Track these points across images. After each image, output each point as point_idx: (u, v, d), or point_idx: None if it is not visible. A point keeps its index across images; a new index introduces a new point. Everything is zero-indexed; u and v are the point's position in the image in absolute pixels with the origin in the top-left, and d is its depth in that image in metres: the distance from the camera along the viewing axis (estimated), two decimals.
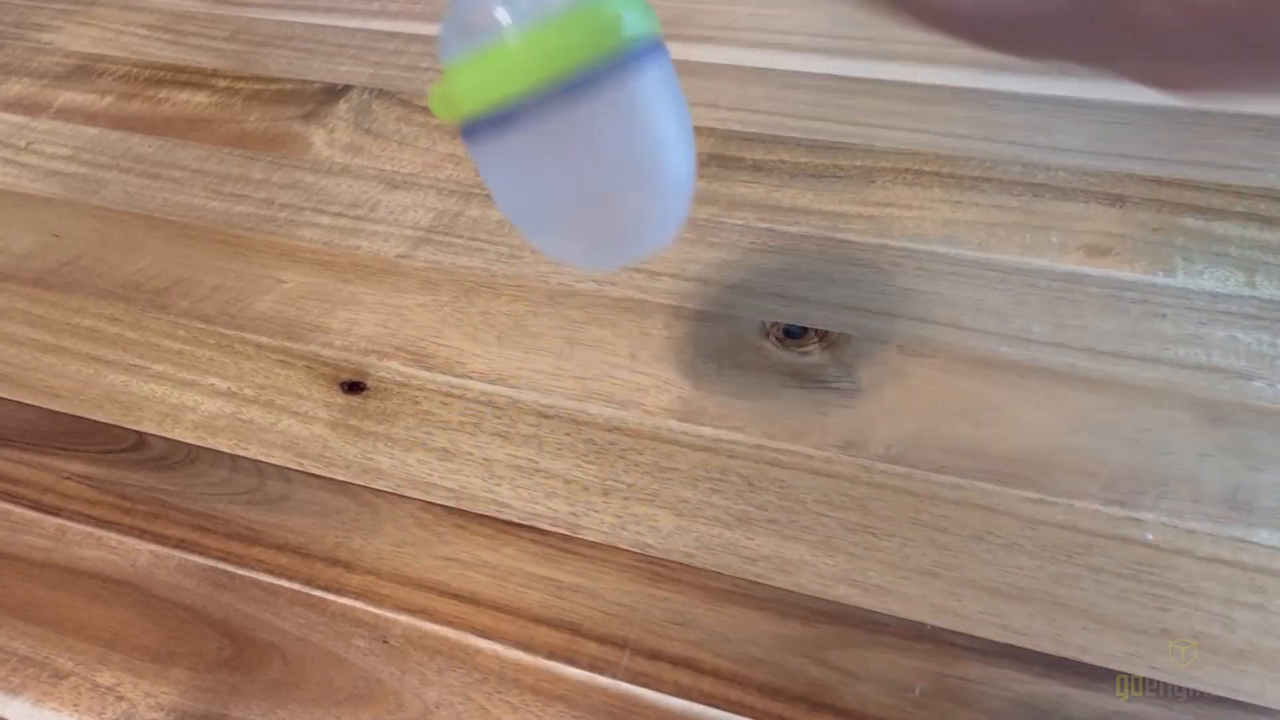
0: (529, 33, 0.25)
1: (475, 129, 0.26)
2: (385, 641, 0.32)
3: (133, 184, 0.52)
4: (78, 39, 0.64)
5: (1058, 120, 0.50)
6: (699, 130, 0.51)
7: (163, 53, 0.62)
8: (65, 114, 0.57)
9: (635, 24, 0.26)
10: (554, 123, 0.26)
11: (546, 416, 0.38)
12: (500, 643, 0.32)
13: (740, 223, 0.46)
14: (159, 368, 0.42)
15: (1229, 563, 0.32)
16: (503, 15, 0.25)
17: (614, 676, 0.31)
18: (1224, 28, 0.17)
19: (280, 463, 0.38)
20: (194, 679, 0.32)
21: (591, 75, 0.25)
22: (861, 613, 0.32)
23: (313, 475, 0.37)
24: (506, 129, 0.26)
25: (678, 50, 0.57)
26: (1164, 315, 0.40)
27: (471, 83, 0.26)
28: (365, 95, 0.56)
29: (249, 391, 0.40)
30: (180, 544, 0.36)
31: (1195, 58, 0.19)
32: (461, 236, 0.47)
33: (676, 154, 0.29)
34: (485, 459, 0.37)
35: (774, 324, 0.41)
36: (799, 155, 0.49)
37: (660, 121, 0.28)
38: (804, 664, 0.31)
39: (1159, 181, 0.46)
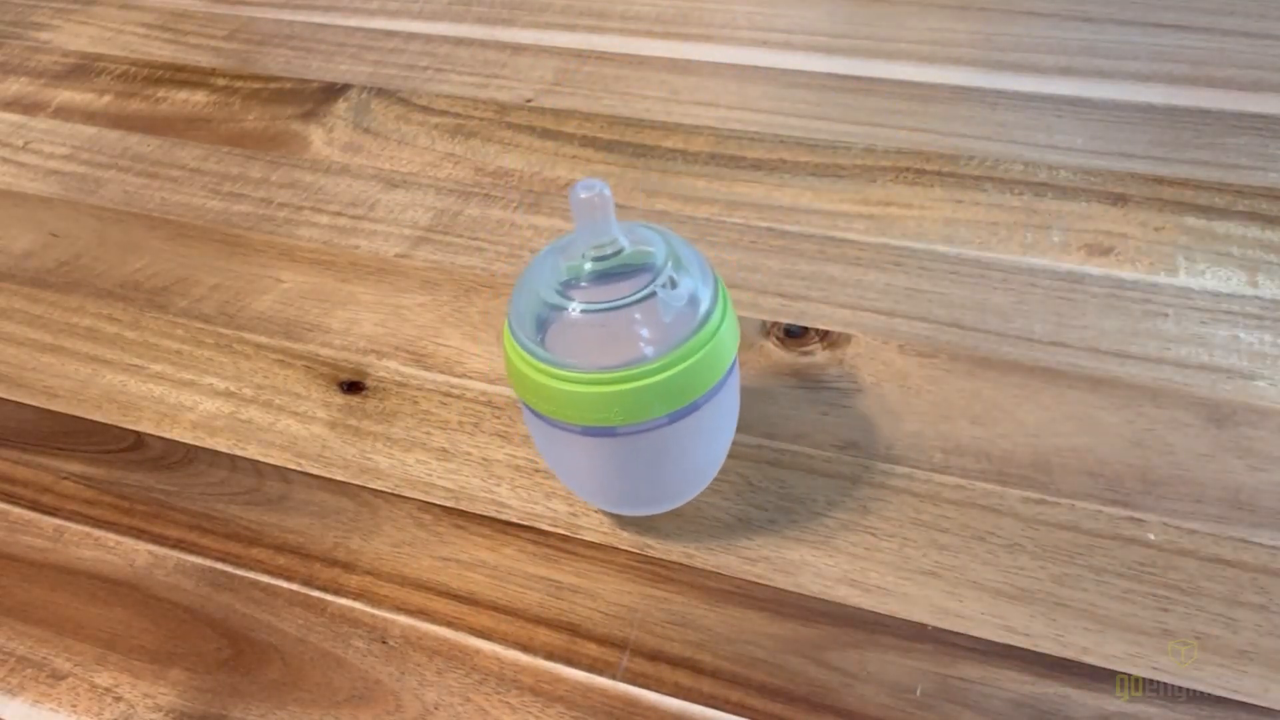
0: (670, 364, 0.28)
1: (595, 431, 0.29)
2: (384, 642, 0.32)
3: (131, 183, 0.52)
4: (76, 38, 0.64)
5: (1059, 119, 0.50)
6: (699, 129, 0.51)
7: (161, 51, 0.62)
8: (63, 113, 0.57)
9: (734, 344, 0.30)
10: (659, 432, 0.30)
11: None
12: (499, 643, 0.32)
13: (740, 222, 0.45)
14: (157, 367, 0.42)
15: (1231, 563, 0.32)
16: (647, 341, 0.28)
17: (614, 677, 0.31)
18: None
19: (279, 463, 0.38)
20: (193, 679, 0.32)
21: (706, 396, 0.30)
22: (862, 613, 0.32)
23: (311, 475, 0.37)
24: (620, 434, 0.29)
25: (677, 49, 0.57)
26: (1166, 315, 0.40)
27: (613, 403, 0.28)
28: (364, 94, 0.56)
29: (247, 391, 0.40)
30: (179, 544, 0.35)
31: None
32: (461, 236, 0.46)
33: (723, 443, 0.33)
34: (484, 459, 0.37)
35: (775, 323, 0.41)
36: (799, 154, 0.49)
37: (726, 421, 0.33)
38: (804, 665, 0.31)
39: (1160, 181, 0.46)
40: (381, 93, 0.56)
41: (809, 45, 0.57)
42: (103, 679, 0.32)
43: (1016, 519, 0.34)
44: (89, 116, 0.57)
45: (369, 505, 0.36)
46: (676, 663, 0.31)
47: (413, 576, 0.34)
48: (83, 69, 0.61)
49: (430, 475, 0.37)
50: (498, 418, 0.38)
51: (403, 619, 0.33)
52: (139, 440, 0.39)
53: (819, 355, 0.39)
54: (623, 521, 0.35)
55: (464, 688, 0.31)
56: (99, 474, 0.38)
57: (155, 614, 0.34)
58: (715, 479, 0.35)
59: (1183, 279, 0.41)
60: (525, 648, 0.32)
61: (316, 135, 0.53)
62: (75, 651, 0.33)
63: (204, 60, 0.60)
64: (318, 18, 0.63)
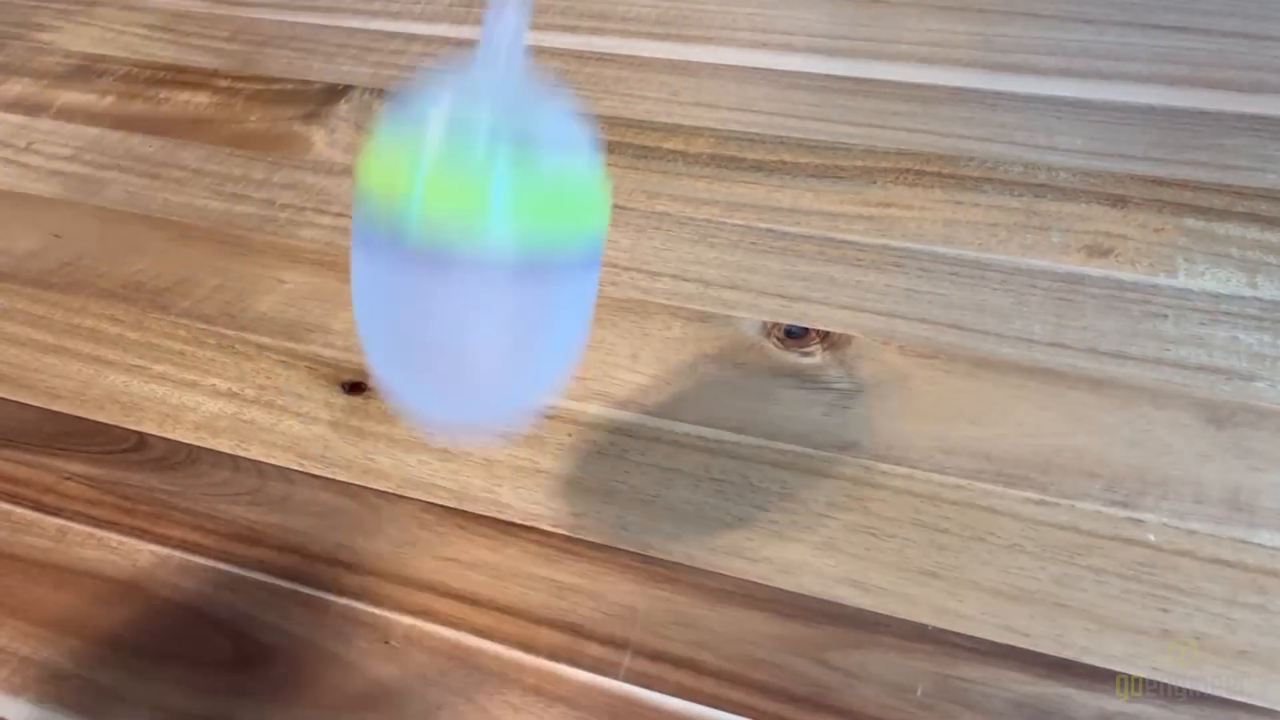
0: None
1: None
2: (387, 642, 0.32)
3: (134, 184, 0.52)
4: (78, 39, 0.64)
5: (1059, 120, 0.50)
6: (700, 131, 0.51)
7: (164, 53, 0.62)
8: (66, 114, 0.57)
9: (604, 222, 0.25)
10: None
11: (547, 417, 0.38)
12: (501, 643, 0.32)
13: (741, 223, 0.46)
14: (160, 368, 0.42)
15: (1230, 564, 0.32)
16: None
17: (616, 677, 0.31)
18: None
19: (281, 463, 0.38)
20: (195, 679, 0.32)
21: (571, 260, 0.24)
22: (863, 613, 0.32)
23: (314, 476, 0.37)
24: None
25: (678, 50, 0.57)
26: (1165, 316, 0.40)
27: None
28: (366, 95, 0.56)
29: (250, 392, 0.40)
30: (181, 544, 0.36)
31: None
32: None
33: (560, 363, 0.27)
34: (486, 459, 0.37)
35: (775, 324, 0.41)
36: (799, 155, 0.49)
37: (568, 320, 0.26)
38: (805, 665, 0.31)
39: (1160, 182, 0.46)
40: (384, 94, 0.56)
41: (809, 47, 0.57)
42: (105, 679, 0.32)
43: (1016, 519, 0.34)
44: (91, 117, 0.57)
45: (371, 506, 0.36)
46: (678, 663, 0.31)
47: (415, 577, 0.34)
48: (85, 70, 0.61)
49: (432, 476, 0.37)
50: None
51: (405, 619, 0.33)
52: (141, 441, 0.39)
53: (819, 356, 0.39)
54: (625, 521, 0.35)
55: (466, 688, 0.31)
56: (102, 474, 0.38)
57: (158, 614, 0.34)
58: (717, 479, 0.35)
59: (1182, 280, 0.41)
60: (527, 648, 0.32)
61: (318, 136, 0.54)
62: (78, 651, 0.33)
63: (206, 61, 0.61)
64: (319, 19, 0.63)
